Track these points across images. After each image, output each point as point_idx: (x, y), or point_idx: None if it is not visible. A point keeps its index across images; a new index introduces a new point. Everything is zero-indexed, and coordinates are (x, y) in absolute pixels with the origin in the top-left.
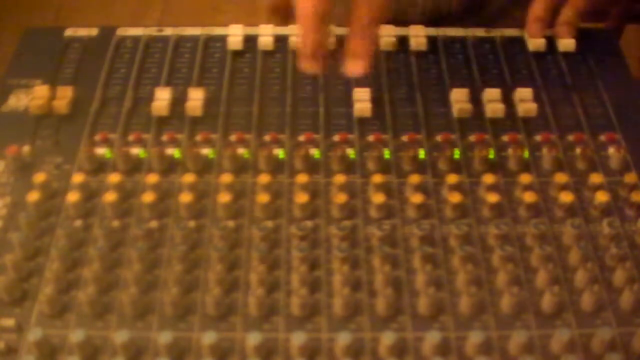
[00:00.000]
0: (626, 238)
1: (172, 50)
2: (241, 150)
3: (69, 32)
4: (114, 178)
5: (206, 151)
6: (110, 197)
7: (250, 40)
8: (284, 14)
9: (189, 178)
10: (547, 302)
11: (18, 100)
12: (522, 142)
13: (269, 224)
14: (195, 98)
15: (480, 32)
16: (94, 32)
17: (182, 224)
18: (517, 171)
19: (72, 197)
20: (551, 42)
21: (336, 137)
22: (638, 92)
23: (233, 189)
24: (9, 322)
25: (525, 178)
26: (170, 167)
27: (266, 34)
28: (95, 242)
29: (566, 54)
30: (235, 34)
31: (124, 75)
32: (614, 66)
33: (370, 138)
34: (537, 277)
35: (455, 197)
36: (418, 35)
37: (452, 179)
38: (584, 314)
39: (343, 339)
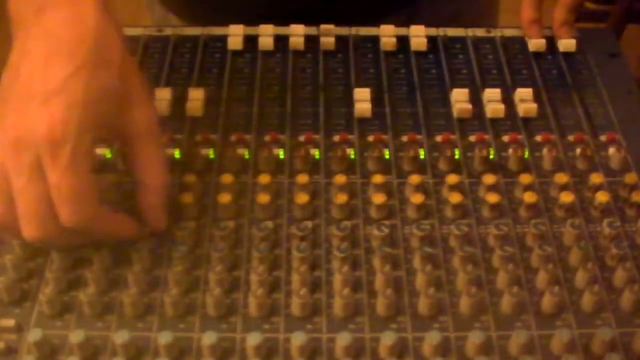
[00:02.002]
0: (626, 238)
1: (172, 50)
2: (241, 150)
3: None
4: (114, 178)
5: (206, 151)
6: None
7: (250, 40)
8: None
9: (189, 178)
10: (547, 302)
11: None
12: (522, 142)
13: (269, 224)
14: (195, 98)
15: (480, 32)
16: None
17: (182, 224)
18: (517, 171)
19: None
20: (551, 42)
21: (336, 137)
22: (638, 92)
23: (233, 189)
24: (9, 322)
25: (525, 178)
26: (170, 167)
27: (266, 34)
28: (95, 242)
29: (566, 54)
30: (235, 34)
31: None
32: (614, 66)
33: (370, 138)
34: (537, 278)
35: (455, 198)
36: (418, 35)
37: (452, 179)
38: (584, 314)
39: (343, 339)
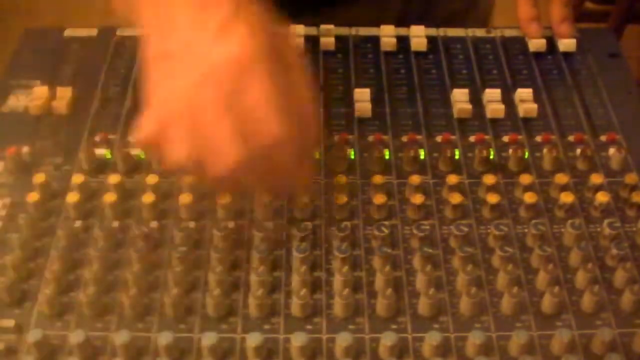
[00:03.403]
0: (627, 239)
1: None
2: None
3: (68, 32)
4: (113, 179)
5: None
6: (110, 197)
7: None
8: None
9: (189, 179)
10: (547, 302)
11: (17, 101)
12: (522, 143)
13: (270, 224)
14: None
15: (480, 32)
16: (93, 32)
17: (182, 224)
18: (518, 172)
19: (72, 197)
20: (551, 42)
21: (336, 138)
22: (638, 92)
23: None
24: (9, 323)
25: (525, 179)
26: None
27: None
28: (95, 243)
29: (566, 54)
30: None
31: (124, 75)
32: (614, 66)
33: (370, 138)
34: (538, 278)
35: (455, 198)
36: (418, 35)
37: (452, 179)
38: (584, 314)
39: (343, 339)
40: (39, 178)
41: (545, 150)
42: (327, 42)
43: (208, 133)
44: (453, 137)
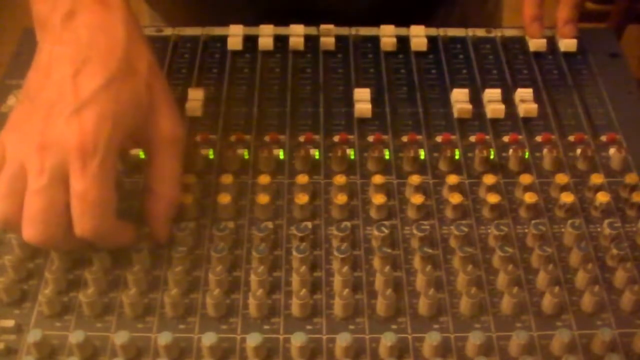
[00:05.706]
0: (627, 239)
1: (172, 50)
2: (241, 151)
3: None
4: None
5: (206, 151)
6: None
7: (250, 40)
8: None
9: (188, 179)
10: (547, 303)
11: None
12: (522, 143)
13: (269, 224)
14: (195, 98)
15: (480, 32)
16: None
17: (182, 224)
18: (518, 172)
19: None
20: (552, 42)
21: (336, 138)
22: (638, 92)
23: (233, 189)
24: (9, 323)
25: (525, 179)
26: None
27: (266, 34)
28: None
29: (567, 54)
30: (235, 34)
31: None
32: (614, 66)
33: (370, 138)
34: (538, 278)
35: (455, 198)
36: (418, 35)
37: (452, 179)
38: (585, 315)
39: (343, 340)
40: None
41: (545, 150)
42: (327, 42)
43: (28, 197)
44: (453, 137)
